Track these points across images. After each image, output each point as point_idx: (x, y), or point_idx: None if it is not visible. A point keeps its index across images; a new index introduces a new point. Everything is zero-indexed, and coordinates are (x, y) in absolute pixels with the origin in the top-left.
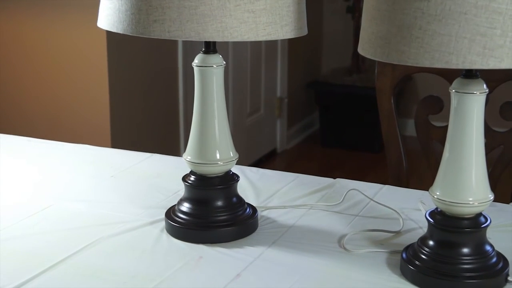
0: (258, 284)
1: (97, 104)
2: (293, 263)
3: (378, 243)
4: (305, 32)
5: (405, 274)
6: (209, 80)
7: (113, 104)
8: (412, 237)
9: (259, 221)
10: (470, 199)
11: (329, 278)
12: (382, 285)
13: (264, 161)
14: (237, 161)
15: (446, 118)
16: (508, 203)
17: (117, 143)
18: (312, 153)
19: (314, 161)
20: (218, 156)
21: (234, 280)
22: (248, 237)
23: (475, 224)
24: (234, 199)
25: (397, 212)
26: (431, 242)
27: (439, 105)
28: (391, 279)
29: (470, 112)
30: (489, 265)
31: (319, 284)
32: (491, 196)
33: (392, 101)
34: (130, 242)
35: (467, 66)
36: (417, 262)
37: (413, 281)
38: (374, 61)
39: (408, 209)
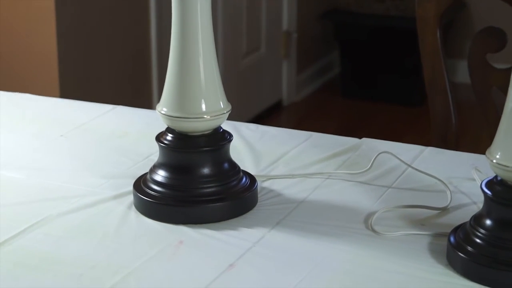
0: (256, 278)
1: (40, 39)
2: (304, 251)
3: (418, 223)
4: None
5: (454, 263)
6: (191, 4)
7: (60, 38)
8: (463, 215)
9: (258, 195)
10: None
11: (352, 269)
12: (423, 278)
13: (266, 117)
14: (229, 114)
15: (511, 58)
16: None
17: (67, 91)
18: (330, 106)
19: (332, 117)
20: (203, 107)
21: (225, 272)
22: (244, 216)
23: None
24: (226, 165)
25: (443, 183)
26: (488, 222)
27: (500, 41)
28: (435, 270)
29: None
30: None
31: (338, 279)
32: None
33: (438, 35)
34: (87, 223)
35: None
36: (469, 248)
37: (464, 273)
38: None
39: (458, 179)
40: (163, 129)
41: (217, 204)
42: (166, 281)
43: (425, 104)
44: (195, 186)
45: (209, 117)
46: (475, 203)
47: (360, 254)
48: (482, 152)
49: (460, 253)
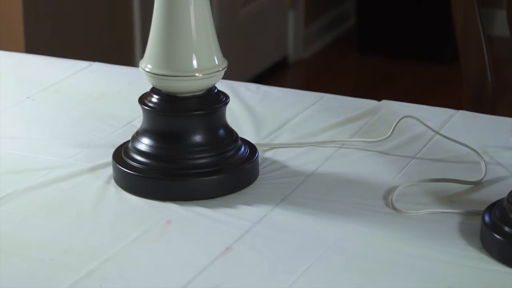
0: (257, 263)
1: None
2: (313, 232)
3: (447, 200)
4: None
5: (488, 246)
6: None
7: None
8: (500, 191)
9: (260, 167)
10: None
11: (369, 253)
12: (452, 264)
13: (269, 76)
14: (225, 72)
15: None
16: None
17: (34, 46)
18: (344, 63)
19: (347, 76)
20: (195, 64)
21: (221, 256)
22: (244, 191)
23: None
24: (221, 132)
25: (477, 152)
26: None
27: None
28: (467, 254)
29: None
30: None
31: (353, 264)
32: None
33: None
34: (59, 200)
35: None
36: (507, 229)
37: (500, 257)
38: None
39: (494, 148)
40: (148, 89)
41: (211, 177)
42: (152, 267)
43: (456, 61)
44: (185, 157)
45: (201, 75)
46: None
47: (378, 235)
48: None
49: (496, 235)
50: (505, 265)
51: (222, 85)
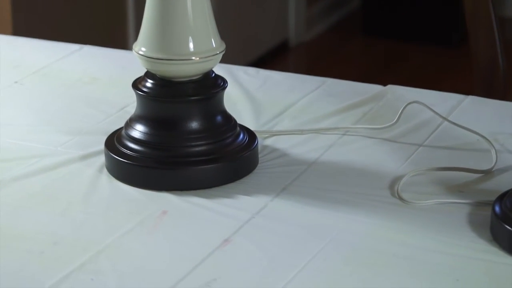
0: (257, 256)
1: None
2: (315, 223)
3: (455, 189)
4: None
5: (500, 238)
6: None
7: None
8: (511, 180)
9: (259, 155)
10: None
11: (374, 246)
12: (461, 257)
13: (269, 59)
14: (223, 56)
15: None
16: None
17: (21, 28)
18: (349, 46)
19: (351, 60)
20: (191, 47)
21: (218, 249)
22: (242, 180)
23: None
24: (219, 118)
25: (487, 140)
26: None
27: None
28: (476, 246)
29: None
30: None
31: (358, 257)
32: None
33: None
34: (49, 189)
35: None
36: None
37: (511, 250)
38: None
39: (505, 135)
40: (142, 73)
41: (208, 166)
42: (146, 260)
43: (466, 44)
44: (181, 144)
45: (198, 58)
46: None
47: (384, 227)
48: None
49: (507, 226)
50: None
51: (220, 69)
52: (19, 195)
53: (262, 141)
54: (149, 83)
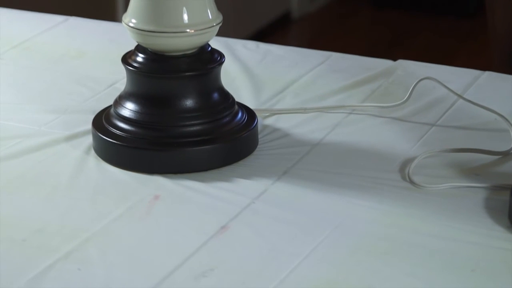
0: (256, 244)
1: None
2: (319, 209)
3: (471, 172)
4: None
5: None
6: None
7: None
8: None
9: (259, 136)
10: None
11: (383, 233)
12: (477, 244)
13: (270, 32)
14: (220, 28)
15: None
16: None
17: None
18: (356, 18)
19: (358, 33)
20: (185, 18)
21: (215, 236)
22: (241, 162)
23: None
24: (216, 96)
25: (506, 119)
26: None
27: None
28: (493, 234)
29: None
30: None
31: (365, 244)
32: None
33: None
34: (32, 172)
35: None
36: None
37: None
38: None
39: None
40: (132, 47)
41: (204, 147)
42: (137, 249)
43: (483, 15)
44: (175, 124)
45: (193, 31)
46: None
47: (394, 213)
48: None
49: None
50: None
51: (217, 43)
52: (0, 179)
53: (262, 121)
54: (140, 58)
